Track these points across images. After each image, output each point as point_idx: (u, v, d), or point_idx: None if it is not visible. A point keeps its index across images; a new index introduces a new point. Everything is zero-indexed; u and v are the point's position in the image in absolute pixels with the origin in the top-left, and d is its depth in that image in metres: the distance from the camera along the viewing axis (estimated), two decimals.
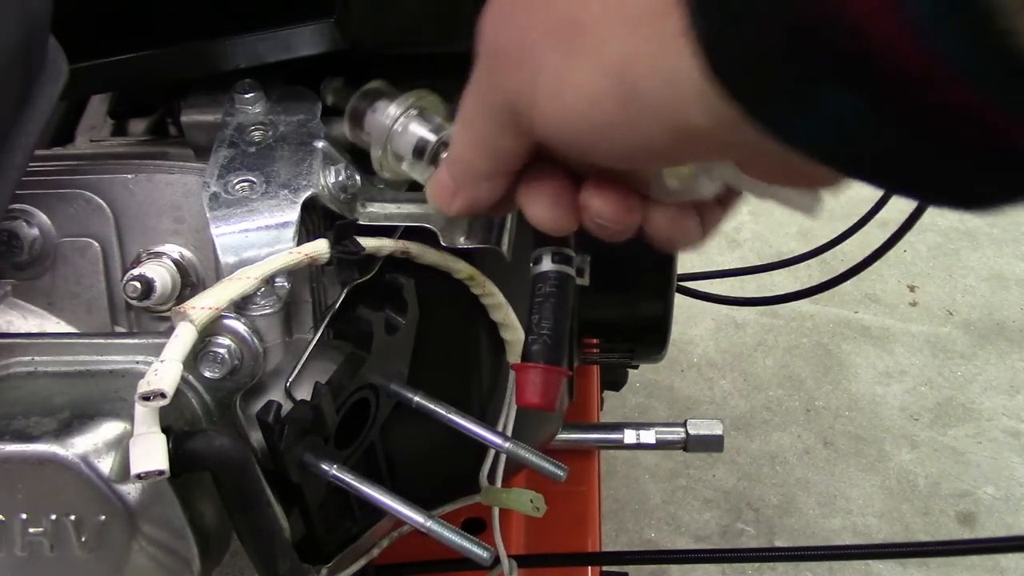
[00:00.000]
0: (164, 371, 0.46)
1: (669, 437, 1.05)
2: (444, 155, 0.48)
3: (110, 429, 0.47)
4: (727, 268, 1.55)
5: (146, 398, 0.45)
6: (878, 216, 1.30)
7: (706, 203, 0.42)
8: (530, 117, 0.37)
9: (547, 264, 0.53)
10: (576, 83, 0.34)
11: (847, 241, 1.34)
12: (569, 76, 0.34)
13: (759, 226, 2.26)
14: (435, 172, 0.46)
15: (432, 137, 0.49)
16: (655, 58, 0.30)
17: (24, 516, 0.47)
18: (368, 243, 0.55)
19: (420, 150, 0.49)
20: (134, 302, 0.53)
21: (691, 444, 1.04)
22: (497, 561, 0.72)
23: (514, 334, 0.66)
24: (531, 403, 0.52)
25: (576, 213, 0.42)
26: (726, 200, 0.42)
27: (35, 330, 0.56)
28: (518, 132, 0.38)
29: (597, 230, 0.41)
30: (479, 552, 0.52)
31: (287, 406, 0.52)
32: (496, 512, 0.74)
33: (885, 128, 0.25)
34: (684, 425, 1.05)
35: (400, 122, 0.50)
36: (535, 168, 0.42)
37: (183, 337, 0.48)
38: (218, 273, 0.52)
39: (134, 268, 0.54)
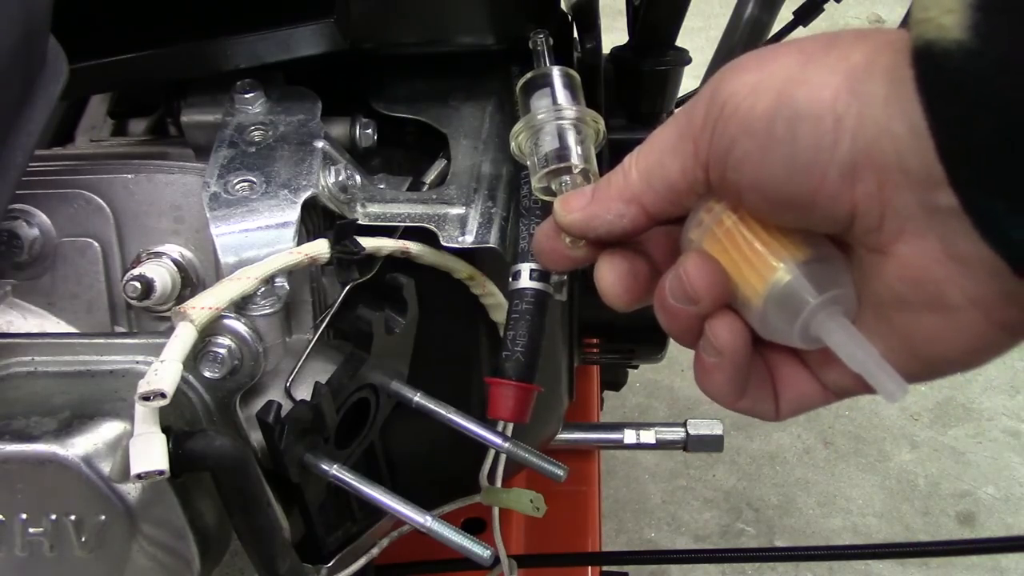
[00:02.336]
0: (164, 371, 0.46)
1: (669, 437, 1.05)
2: (565, 181, 0.48)
3: (110, 429, 0.46)
4: None
5: (146, 398, 0.45)
6: None
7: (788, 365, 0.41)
8: (720, 124, 0.36)
9: (525, 281, 0.54)
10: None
11: None
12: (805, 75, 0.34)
13: None
14: (578, 187, 0.46)
15: (577, 163, 0.48)
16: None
17: (24, 516, 0.47)
18: (368, 243, 0.55)
19: (560, 156, 0.48)
20: (134, 302, 0.53)
21: (691, 444, 1.04)
22: (497, 561, 0.72)
23: None
24: (501, 418, 0.53)
25: (640, 297, 0.42)
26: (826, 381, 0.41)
27: (35, 330, 0.56)
28: (695, 152, 0.38)
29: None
30: (479, 552, 0.52)
31: (287, 406, 0.52)
32: (496, 512, 0.74)
33: None
34: (684, 425, 1.05)
35: (561, 124, 0.49)
36: (628, 247, 0.43)
37: (183, 337, 0.48)
38: (218, 273, 0.52)
39: (134, 268, 0.54)
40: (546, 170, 0.48)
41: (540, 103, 0.51)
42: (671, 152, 0.39)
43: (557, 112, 0.50)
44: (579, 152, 0.49)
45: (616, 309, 0.43)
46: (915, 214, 0.33)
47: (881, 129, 0.32)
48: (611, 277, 0.43)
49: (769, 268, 0.37)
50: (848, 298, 0.37)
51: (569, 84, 0.52)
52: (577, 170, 0.48)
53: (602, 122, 0.51)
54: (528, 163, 0.50)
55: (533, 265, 0.54)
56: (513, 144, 0.51)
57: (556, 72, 0.52)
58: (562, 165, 0.48)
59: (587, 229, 0.42)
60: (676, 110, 0.41)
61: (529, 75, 0.52)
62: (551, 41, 0.58)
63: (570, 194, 0.43)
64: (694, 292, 0.39)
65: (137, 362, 0.52)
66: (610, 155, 0.77)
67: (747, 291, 0.38)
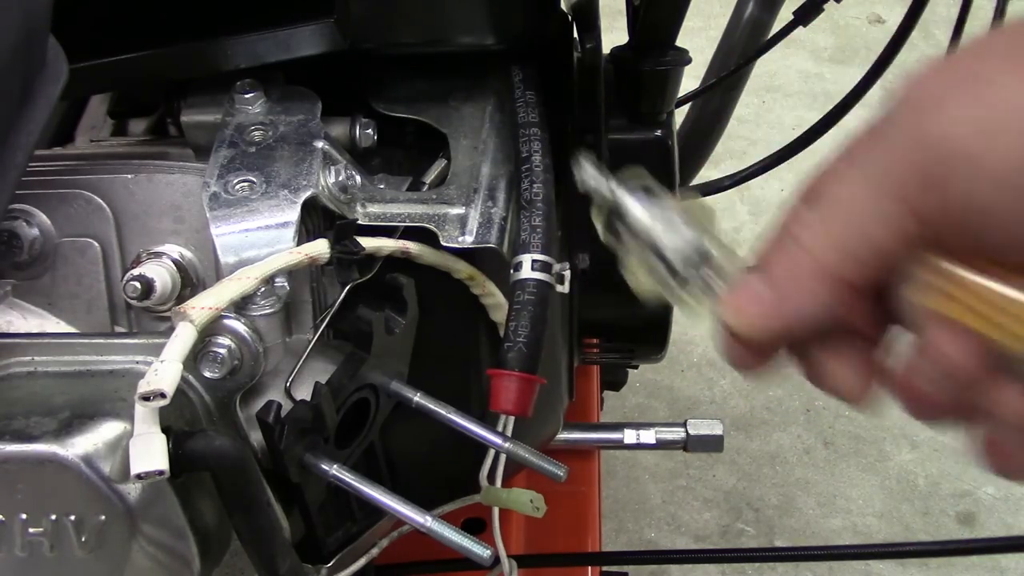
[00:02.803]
0: (164, 371, 0.46)
1: (669, 437, 1.05)
2: (721, 270, 0.38)
3: (110, 429, 0.46)
4: None
5: (146, 398, 0.45)
6: None
7: None
8: (947, 178, 0.30)
9: (526, 271, 0.53)
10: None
11: None
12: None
13: (759, 226, 2.26)
14: (739, 280, 0.37)
15: (712, 250, 0.40)
16: None
17: (24, 516, 0.47)
18: (368, 243, 0.55)
19: (701, 255, 0.39)
20: (134, 302, 0.53)
21: (691, 444, 1.04)
22: (497, 561, 0.72)
23: None
24: (504, 410, 0.52)
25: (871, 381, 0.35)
26: None
27: (35, 330, 0.56)
28: (912, 212, 0.31)
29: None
30: (479, 552, 0.52)
31: (287, 406, 0.52)
32: (496, 512, 0.74)
33: None
34: (684, 425, 1.05)
35: (667, 220, 0.40)
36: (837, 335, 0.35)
37: (183, 337, 0.48)
38: (218, 273, 0.52)
39: (134, 268, 0.54)
40: (695, 274, 0.39)
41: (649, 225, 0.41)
42: (875, 217, 0.32)
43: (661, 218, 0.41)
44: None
45: (858, 408, 0.37)
46: None
47: None
48: (849, 373, 0.35)
49: None
50: None
51: (647, 191, 0.42)
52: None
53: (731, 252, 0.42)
54: (676, 290, 0.40)
55: (535, 256, 0.54)
56: (631, 281, 0.42)
57: (634, 186, 0.42)
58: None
59: (784, 331, 0.34)
60: (845, 155, 0.33)
61: (602, 204, 0.42)
62: (594, 156, 0.49)
63: (743, 297, 0.35)
64: (955, 367, 0.32)
65: (137, 362, 0.52)
66: (610, 156, 0.77)
67: (1014, 343, 0.32)
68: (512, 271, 0.55)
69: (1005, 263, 0.32)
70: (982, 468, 0.34)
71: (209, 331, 0.51)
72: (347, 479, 0.53)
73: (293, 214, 0.53)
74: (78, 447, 0.45)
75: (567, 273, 0.56)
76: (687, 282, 0.39)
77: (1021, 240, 0.30)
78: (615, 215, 0.41)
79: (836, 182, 0.33)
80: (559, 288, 0.55)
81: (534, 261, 0.54)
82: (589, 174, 0.43)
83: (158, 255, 0.56)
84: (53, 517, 0.46)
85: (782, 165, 1.13)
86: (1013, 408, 0.32)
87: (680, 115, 1.14)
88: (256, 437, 0.54)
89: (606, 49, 0.83)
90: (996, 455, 0.34)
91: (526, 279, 0.54)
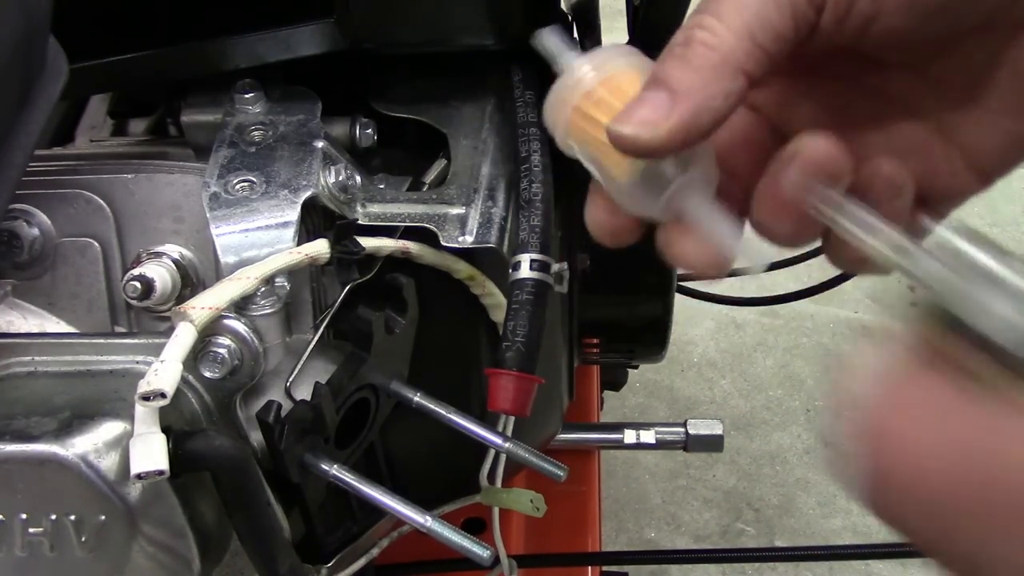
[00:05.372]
0: (164, 371, 0.46)
1: (669, 437, 1.05)
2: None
3: (110, 429, 0.46)
4: None
5: (146, 398, 0.45)
6: None
7: None
8: None
9: (525, 271, 0.53)
10: None
11: None
12: None
13: None
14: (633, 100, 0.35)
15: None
16: None
17: (24, 516, 0.47)
18: (368, 243, 0.55)
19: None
20: (134, 302, 0.53)
21: (691, 444, 1.04)
22: (497, 561, 0.72)
23: None
24: (502, 409, 0.52)
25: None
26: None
27: (35, 330, 0.56)
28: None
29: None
30: (479, 552, 0.52)
31: (287, 406, 0.52)
32: (496, 512, 0.74)
33: None
34: (684, 425, 1.05)
35: None
36: None
37: (183, 337, 0.48)
38: (218, 273, 0.52)
39: (134, 268, 0.54)
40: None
41: None
42: (772, 3, 0.32)
43: None
44: None
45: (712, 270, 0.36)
46: None
47: None
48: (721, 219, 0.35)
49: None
50: (710, 173, 0.36)
51: None
52: None
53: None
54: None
55: (533, 256, 0.54)
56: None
57: None
58: None
59: (688, 138, 0.32)
60: None
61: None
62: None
63: (630, 109, 0.33)
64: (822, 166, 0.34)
65: (137, 362, 0.52)
66: None
67: (612, 167, 0.36)
68: (511, 271, 0.55)
69: (887, 62, 0.34)
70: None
71: (209, 331, 0.51)
72: (347, 479, 0.54)
73: (293, 214, 0.53)
74: (78, 447, 0.45)
75: (566, 273, 0.56)
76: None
77: (901, 33, 0.32)
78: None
79: None
80: (558, 288, 0.55)
81: (532, 261, 0.54)
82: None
83: (158, 255, 0.56)
84: (53, 517, 0.46)
85: None
86: None
87: None
88: (256, 437, 0.54)
89: None
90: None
91: (524, 279, 0.54)
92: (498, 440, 0.59)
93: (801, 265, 1.42)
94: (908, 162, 0.36)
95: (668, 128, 0.32)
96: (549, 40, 0.39)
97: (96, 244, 0.56)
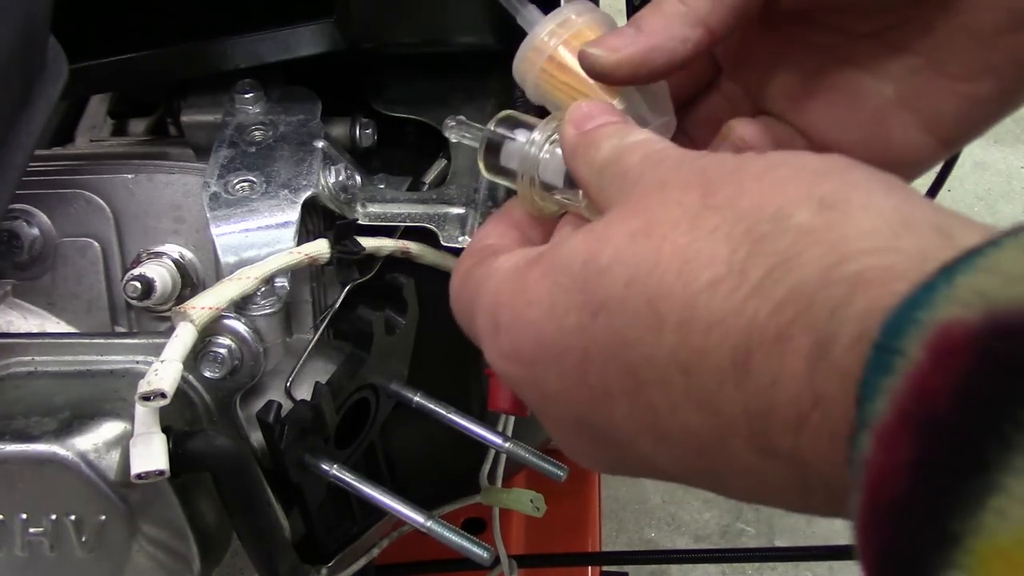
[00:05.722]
0: (164, 371, 0.46)
1: None
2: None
3: (110, 429, 0.46)
4: None
5: (146, 398, 0.45)
6: None
7: None
8: None
9: None
10: None
11: None
12: None
13: None
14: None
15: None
16: None
17: (24, 516, 0.47)
18: (368, 243, 0.55)
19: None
20: (134, 302, 0.53)
21: None
22: (497, 561, 0.72)
23: None
24: (502, 409, 0.52)
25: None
26: None
27: (35, 330, 0.56)
28: None
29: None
30: (479, 552, 0.52)
31: (287, 406, 0.52)
32: (496, 512, 0.74)
33: None
34: None
35: (547, 149, 0.42)
36: None
37: (183, 337, 0.48)
38: (218, 273, 0.52)
39: (134, 268, 0.54)
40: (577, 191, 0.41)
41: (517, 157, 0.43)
42: None
43: (538, 144, 0.43)
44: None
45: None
46: None
47: None
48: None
49: (610, 94, 0.40)
50: (672, 124, 0.41)
51: (513, 123, 0.45)
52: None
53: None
54: (569, 203, 0.42)
55: None
56: (531, 207, 0.43)
57: (494, 126, 0.45)
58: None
59: (641, 67, 0.37)
60: None
61: (482, 158, 0.45)
62: (462, 116, 0.51)
63: (604, 37, 0.39)
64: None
65: (137, 362, 0.52)
66: None
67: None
68: None
69: (851, 31, 0.37)
70: None
71: (209, 331, 0.51)
72: (347, 479, 0.54)
73: (293, 214, 0.53)
74: (78, 447, 0.45)
75: None
76: (572, 193, 0.41)
77: None
78: (491, 154, 0.44)
79: None
80: None
81: None
82: (460, 128, 0.49)
83: (158, 255, 0.56)
84: (53, 517, 0.47)
85: None
86: None
87: None
88: (256, 437, 0.54)
89: None
90: None
91: None
92: (498, 440, 0.59)
93: None
94: (873, 130, 0.39)
95: (626, 55, 0.37)
96: None
97: (96, 244, 0.56)
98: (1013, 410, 0.16)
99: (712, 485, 0.29)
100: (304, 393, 0.54)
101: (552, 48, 0.42)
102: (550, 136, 0.41)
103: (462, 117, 0.50)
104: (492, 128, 0.44)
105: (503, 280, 0.33)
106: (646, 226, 0.28)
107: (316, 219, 0.57)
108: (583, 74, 0.41)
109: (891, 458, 0.19)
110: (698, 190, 0.27)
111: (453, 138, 0.50)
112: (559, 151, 0.40)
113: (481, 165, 0.45)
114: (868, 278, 0.22)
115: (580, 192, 0.39)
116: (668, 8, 0.37)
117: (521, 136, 0.43)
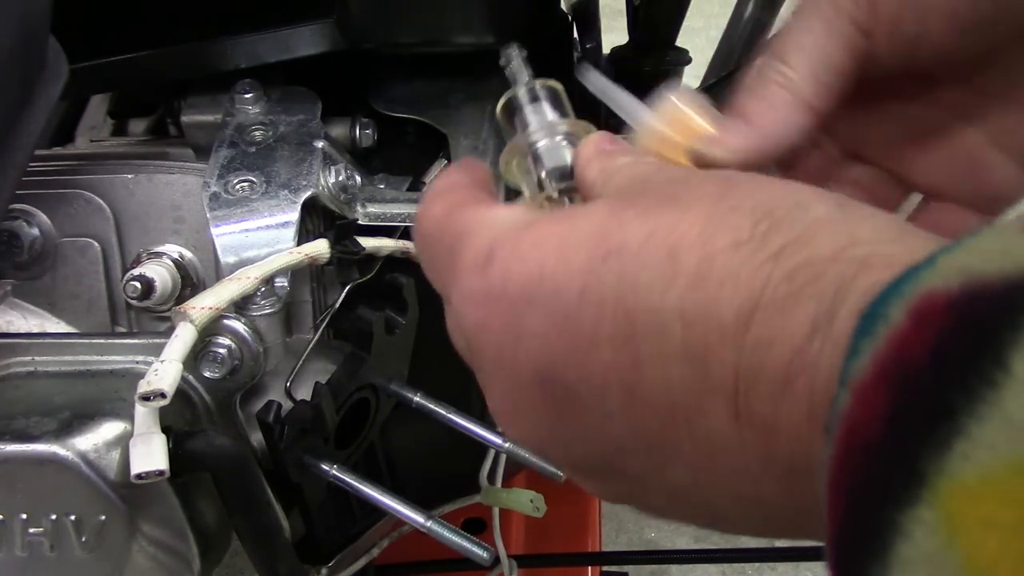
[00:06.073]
0: (164, 371, 0.46)
1: None
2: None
3: (110, 429, 0.47)
4: None
5: (146, 398, 0.45)
6: None
7: None
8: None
9: None
10: None
11: None
12: None
13: None
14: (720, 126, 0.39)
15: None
16: None
17: (24, 516, 0.47)
18: (368, 243, 0.55)
19: (564, 175, 0.41)
20: (134, 302, 0.53)
21: None
22: (497, 561, 0.72)
23: None
24: None
25: None
26: None
27: (35, 330, 0.56)
28: (855, 26, 0.35)
29: None
30: (479, 552, 0.52)
31: (287, 406, 0.52)
32: (496, 512, 0.74)
33: None
34: None
35: (558, 141, 0.42)
36: None
37: (183, 337, 0.48)
38: (218, 273, 0.52)
39: (134, 268, 0.54)
40: (554, 187, 0.42)
41: (531, 120, 0.45)
42: (832, 41, 0.36)
43: (551, 128, 0.44)
44: None
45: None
46: None
47: None
48: None
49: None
50: None
51: (553, 97, 0.48)
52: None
53: (594, 130, 0.48)
54: (524, 186, 0.44)
55: None
56: (502, 167, 0.45)
57: (538, 86, 0.47)
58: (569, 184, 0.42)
59: (755, 161, 0.37)
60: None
61: (507, 96, 0.46)
62: (525, 53, 0.54)
63: (715, 136, 0.37)
64: None
65: (137, 362, 0.52)
66: None
67: None
68: None
69: (938, 78, 0.37)
70: None
71: (209, 331, 0.51)
72: (347, 479, 0.54)
73: (293, 214, 0.53)
74: (78, 447, 0.45)
75: None
76: (542, 188, 0.40)
77: (946, 48, 0.35)
78: (515, 105, 0.44)
79: (795, 32, 0.37)
80: None
81: None
82: (515, 59, 0.47)
83: (158, 255, 0.56)
84: (53, 517, 0.47)
85: None
86: None
87: None
88: (256, 437, 0.54)
89: (606, 49, 0.83)
90: None
91: None
92: (498, 440, 0.59)
93: None
94: (969, 172, 0.40)
95: (742, 155, 0.36)
96: (597, 80, 0.45)
97: (96, 244, 0.56)
98: (979, 363, 0.18)
99: (658, 461, 0.28)
100: (304, 393, 0.54)
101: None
102: (570, 132, 0.41)
103: (525, 53, 0.47)
104: (539, 86, 0.44)
105: (509, 221, 0.32)
106: (672, 198, 0.29)
107: (316, 219, 0.57)
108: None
109: (867, 411, 0.20)
110: (720, 187, 0.29)
111: (502, 63, 0.47)
112: (568, 148, 0.40)
113: (503, 101, 0.45)
114: (872, 263, 0.24)
115: (553, 190, 0.39)
116: (774, 98, 0.36)
117: (550, 113, 0.43)
